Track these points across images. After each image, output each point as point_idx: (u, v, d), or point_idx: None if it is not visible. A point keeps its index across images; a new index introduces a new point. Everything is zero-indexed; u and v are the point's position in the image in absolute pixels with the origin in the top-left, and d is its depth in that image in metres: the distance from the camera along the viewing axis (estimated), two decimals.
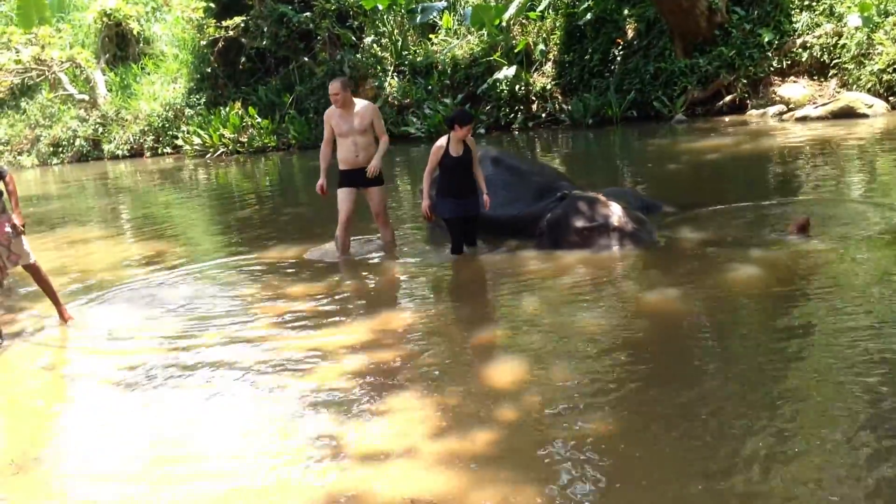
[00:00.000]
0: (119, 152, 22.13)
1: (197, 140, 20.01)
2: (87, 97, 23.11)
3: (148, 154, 21.71)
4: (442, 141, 7.02)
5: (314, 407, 4.47)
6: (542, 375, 4.53)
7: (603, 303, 5.65)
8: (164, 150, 21.37)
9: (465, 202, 7.06)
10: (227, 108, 19.92)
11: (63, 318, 6.47)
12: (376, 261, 7.53)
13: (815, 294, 5.42)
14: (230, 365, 5.25)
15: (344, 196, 7.48)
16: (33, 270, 6.40)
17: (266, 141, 19.18)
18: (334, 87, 7.27)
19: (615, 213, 7.06)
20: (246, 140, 19.40)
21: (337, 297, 6.54)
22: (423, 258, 7.51)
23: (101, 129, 22.68)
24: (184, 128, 20.72)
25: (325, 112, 7.55)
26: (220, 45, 20.35)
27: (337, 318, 5.99)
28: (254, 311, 6.36)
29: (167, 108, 21.48)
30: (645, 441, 3.69)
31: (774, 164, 10.32)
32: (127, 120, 22.29)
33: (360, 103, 7.44)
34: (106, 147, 22.31)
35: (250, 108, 19.59)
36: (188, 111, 21.03)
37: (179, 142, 20.66)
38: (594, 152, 14.29)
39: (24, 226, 6.28)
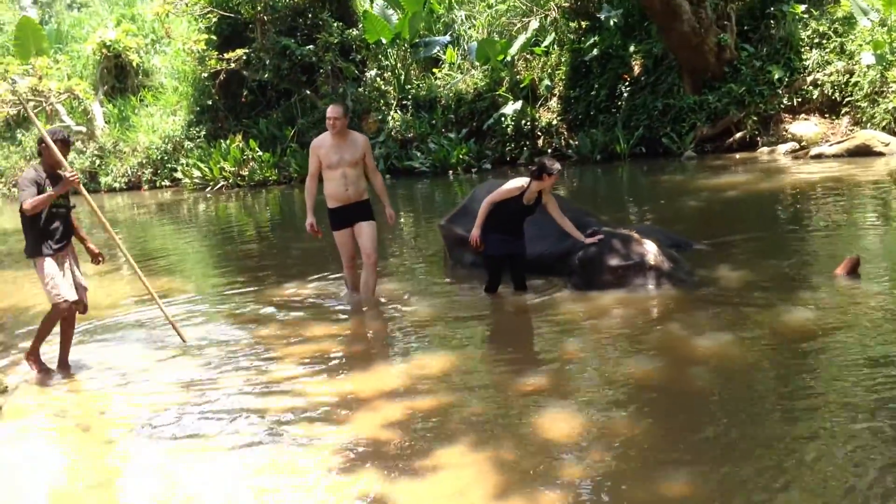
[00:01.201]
0: (116, 185, 21.77)
1: (197, 173, 19.71)
2: (84, 129, 22.81)
3: (146, 187, 21.38)
4: (521, 182, 6.63)
5: (356, 462, 4.12)
6: (603, 427, 4.21)
7: (651, 347, 5.34)
8: (163, 183, 21.04)
9: (514, 242, 6.75)
10: (228, 141, 19.68)
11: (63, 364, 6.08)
12: (402, 299, 7.21)
13: (876, 340, 5.12)
14: (257, 413, 4.91)
15: (342, 239, 7.03)
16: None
17: (267, 174, 18.91)
18: (336, 111, 6.77)
19: (650, 251, 6.78)
20: (247, 173, 19.12)
21: (364, 338, 6.24)
22: (450, 297, 7.19)
23: (98, 162, 22.34)
24: (183, 160, 20.43)
25: (313, 142, 6.96)
26: (221, 77, 20.15)
27: (368, 361, 5.69)
28: (275, 353, 6.01)
29: (166, 140, 21.21)
30: None
31: (798, 201, 10.11)
32: (125, 152, 21.98)
33: (353, 134, 6.97)
34: (103, 179, 21.95)
35: (251, 141, 19.36)
36: (188, 144, 20.76)
37: (178, 174, 20.36)
38: (605, 188, 14.07)
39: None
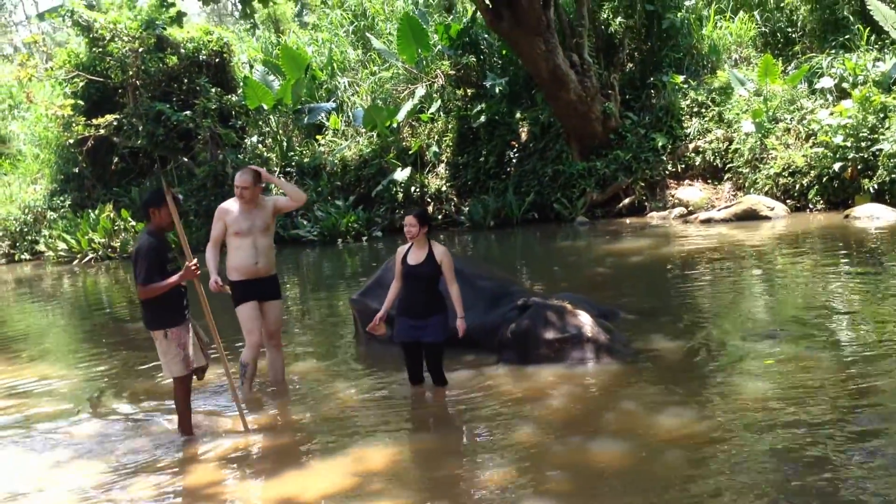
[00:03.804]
0: None
1: (62, 245, 18.33)
2: None
3: (2, 261, 19.69)
4: (404, 246, 6.01)
5: None
6: None
7: (612, 429, 4.99)
8: (22, 257, 19.42)
9: (417, 324, 5.76)
10: (97, 211, 18.44)
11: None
12: (320, 383, 6.60)
13: (840, 399, 4.97)
14: None
15: (249, 314, 6.17)
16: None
17: None
18: (245, 179, 6.09)
19: (586, 322, 6.51)
20: (118, 244, 17.91)
21: (287, 429, 5.58)
22: (373, 379, 6.61)
23: None
24: (46, 232, 18.99)
25: (220, 206, 6.31)
26: (89, 144, 18.96)
27: (299, 457, 5.05)
28: (188, 452, 5.29)
29: (26, 210, 19.70)
30: None
31: (706, 265, 10.18)
32: None
33: (262, 199, 6.29)
34: None
35: (123, 211, 18.22)
36: (51, 214, 19.35)
37: (41, 247, 18.88)
38: (504, 255, 13.87)
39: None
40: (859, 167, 12.75)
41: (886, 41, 14.70)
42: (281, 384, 6.48)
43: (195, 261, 5.21)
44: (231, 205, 6.25)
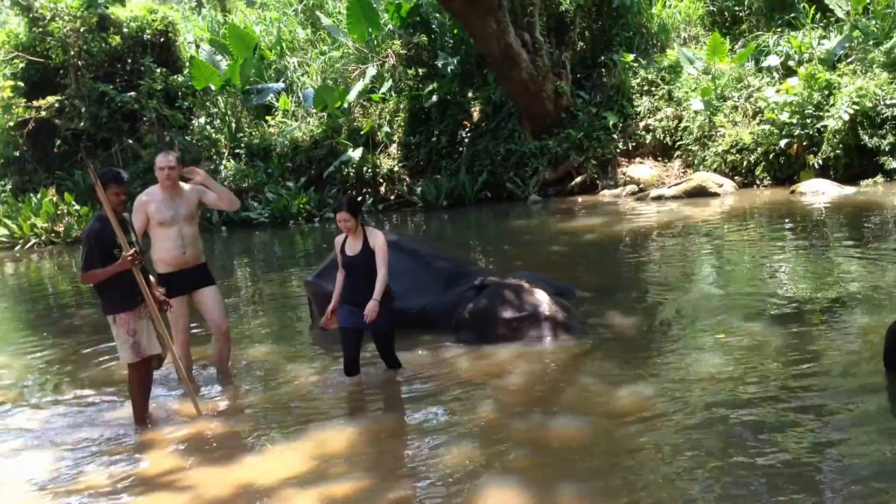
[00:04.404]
0: None
1: (3, 231, 17.79)
2: None
3: None
4: (342, 235, 5.77)
5: None
6: (552, 502, 3.80)
7: (572, 406, 5.01)
8: None
9: (360, 311, 5.53)
10: (39, 195, 17.92)
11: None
12: (277, 367, 6.52)
13: (794, 372, 5.06)
14: None
15: (177, 310, 5.85)
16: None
17: None
18: (167, 160, 5.82)
19: (543, 301, 6.53)
20: (62, 229, 17.44)
21: (241, 414, 5.50)
22: (330, 361, 6.52)
23: None
24: None
25: (138, 198, 5.91)
26: (30, 126, 18.41)
27: (255, 442, 4.98)
28: (140, 439, 5.18)
29: None
30: None
31: (658, 242, 10.30)
32: None
33: (184, 186, 6.01)
34: None
35: (66, 195, 17.71)
36: None
37: None
38: (458, 235, 13.86)
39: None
40: (805, 144, 12.99)
41: (831, 19, 14.95)
42: (225, 371, 6.26)
43: (133, 250, 5.08)
44: (151, 194, 5.93)
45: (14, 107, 18.08)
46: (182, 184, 6.06)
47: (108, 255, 5.08)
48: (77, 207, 17.49)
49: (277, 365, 6.58)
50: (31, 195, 18.11)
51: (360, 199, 16.54)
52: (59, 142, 18.88)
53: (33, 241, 17.49)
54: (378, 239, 5.63)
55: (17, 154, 19.22)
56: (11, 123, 18.68)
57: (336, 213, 5.64)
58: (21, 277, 14.59)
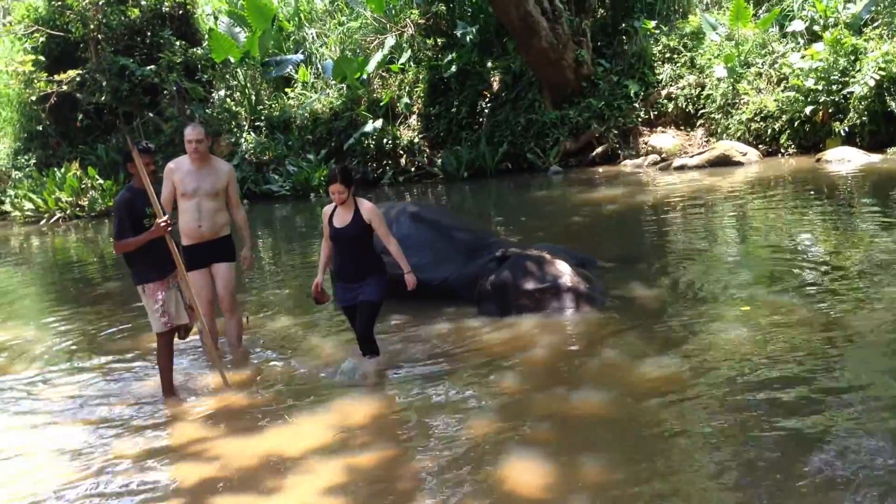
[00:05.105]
0: None
1: (28, 205, 17.98)
2: None
3: None
4: (330, 206, 5.59)
5: None
6: (575, 474, 3.83)
7: (596, 378, 5.01)
8: None
9: (352, 286, 5.49)
10: (63, 169, 18.08)
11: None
12: (297, 338, 6.57)
13: (814, 351, 5.02)
14: (166, 488, 4.20)
15: (197, 282, 5.86)
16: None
17: (109, 204, 17.39)
18: (196, 132, 5.85)
19: (565, 272, 6.52)
20: (86, 203, 17.60)
21: (268, 389, 5.55)
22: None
23: None
24: (11, 192, 18.60)
25: (168, 164, 6.01)
26: (52, 100, 18.52)
27: (281, 414, 5.04)
28: (169, 413, 5.26)
29: None
30: None
31: (681, 212, 10.20)
32: None
33: (216, 161, 6.14)
34: None
35: (90, 169, 17.86)
36: (16, 174, 18.96)
37: (7, 207, 18.52)
38: (480, 206, 13.83)
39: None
40: (830, 110, 12.78)
41: None
42: (237, 349, 6.27)
43: (166, 217, 5.13)
44: (179, 163, 5.98)
45: (36, 81, 18.19)
46: (217, 159, 6.15)
47: (139, 224, 5.15)
48: (101, 181, 17.64)
49: (300, 336, 6.64)
50: (55, 169, 18.28)
51: (380, 170, 16.57)
52: (80, 116, 18.96)
53: (58, 215, 17.68)
54: (373, 212, 5.47)
55: (40, 128, 19.37)
56: (34, 98, 18.82)
57: (329, 183, 5.43)
58: (47, 251, 14.75)
